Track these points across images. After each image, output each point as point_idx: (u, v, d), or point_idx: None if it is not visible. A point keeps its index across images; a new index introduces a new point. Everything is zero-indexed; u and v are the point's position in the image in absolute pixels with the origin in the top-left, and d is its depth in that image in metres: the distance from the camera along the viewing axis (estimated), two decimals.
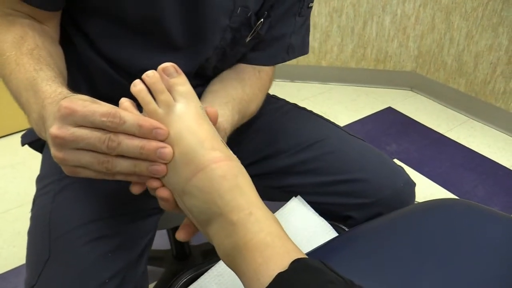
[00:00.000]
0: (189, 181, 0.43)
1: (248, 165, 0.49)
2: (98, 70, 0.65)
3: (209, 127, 0.45)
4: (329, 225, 0.68)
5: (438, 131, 1.90)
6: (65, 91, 0.47)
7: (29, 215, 0.66)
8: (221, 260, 0.46)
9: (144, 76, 0.45)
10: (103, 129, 0.41)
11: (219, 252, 0.43)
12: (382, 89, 2.22)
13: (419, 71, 2.15)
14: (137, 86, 0.44)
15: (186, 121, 0.44)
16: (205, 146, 0.43)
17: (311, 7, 0.73)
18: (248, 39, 0.67)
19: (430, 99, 2.14)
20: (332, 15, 2.04)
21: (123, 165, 0.43)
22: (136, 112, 0.44)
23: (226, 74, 0.71)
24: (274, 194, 0.77)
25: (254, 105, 0.70)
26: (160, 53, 0.63)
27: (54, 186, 0.66)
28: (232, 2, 0.61)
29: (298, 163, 0.74)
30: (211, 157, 0.43)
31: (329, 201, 0.73)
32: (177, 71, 0.45)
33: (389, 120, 1.99)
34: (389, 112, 2.05)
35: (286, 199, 0.71)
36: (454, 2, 1.87)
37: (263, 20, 0.66)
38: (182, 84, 0.45)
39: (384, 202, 0.70)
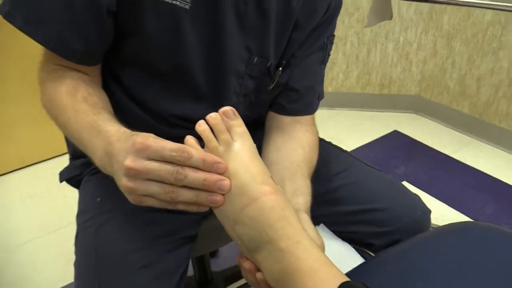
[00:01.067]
0: (242, 210, 0.47)
1: None
2: (133, 114, 0.70)
3: (260, 164, 0.51)
4: (354, 250, 0.72)
5: (445, 152, 1.95)
6: (127, 130, 0.53)
7: (50, 245, 0.70)
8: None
9: (208, 117, 0.50)
10: (172, 163, 0.46)
11: (267, 276, 0.47)
12: (387, 113, 2.28)
13: (423, 94, 2.22)
14: (201, 126, 0.50)
15: (242, 158, 0.49)
16: (257, 180, 0.48)
17: (330, 55, 0.79)
18: (270, 86, 0.73)
19: (435, 121, 2.20)
20: (337, 43, 2.11)
21: (186, 195, 0.48)
22: (200, 148, 0.49)
23: (276, 137, 0.75)
24: None
25: (315, 157, 0.74)
26: (188, 101, 0.70)
27: (95, 220, 0.70)
28: (247, 51, 0.68)
29: (322, 193, 0.78)
30: (262, 190, 0.48)
31: (351, 229, 0.77)
32: (234, 114, 0.51)
33: (395, 143, 2.04)
34: (395, 135, 2.10)
35: None
36: (454, 29, 1.95)
37: (282, 69, 0.72)
38: (239, 125, 0.51)
39: (403, 230, 0.75)
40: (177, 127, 0.72)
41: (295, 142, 0.74)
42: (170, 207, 0.49)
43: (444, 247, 0.58)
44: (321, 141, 0.89)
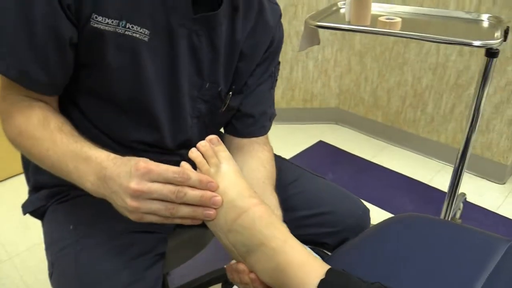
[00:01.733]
0: (235, 221, 0.56)
1: None
2: (94, 139, 0.70)
3: (245, 181, 0.59)
4: (311, 250, 0.83)
5: (365, 158, 2.17)
6: (117, 155, 0.59)
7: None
8: None
9: (198, 145, 0.59)
10: (172, 183, 0.53)
11: (261, 275, 0.56)
12: (311, 125, 2.47)
13: (341, 106, 2.44)
14: (194, 153, 0.58)
15: (229, 177, 0.58)
16: (245, 195, 0.57)
17: (277, 79, 0.91)
18: (222, 109, 0.82)
19: (353, 130, 2.43)
20: None
21: (185, 210, 0.55)
22: (194, 171, 0.56)
23: (237, 157, 0.83)
24: None
25: (275, 172, 0.83)
26: (146, 126, 0.76)
27: (73, 247, 0.72)
28: (199, 78, 0.76)
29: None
30: (251, 202, 0.56)
31: (306, 232, 0.88)
32: (218, 141, 0.59)
33: (321, 152, 2.22)
34: (321, 144, 2.29)
35: None
36: (365, 47, 2.19)
37: (232, 94, 0.82)
38: (223, 150, 0.59)
39: (349, 228, 0.87)
40: (138, 151, 0.78)
41: (256, 161, 0.83)
42: (168, 221, 0.56)
43: (395, 235, 0.71)
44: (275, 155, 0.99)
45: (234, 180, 0.58)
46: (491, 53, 1.04)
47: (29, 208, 0.85)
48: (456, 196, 1.38)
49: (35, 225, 0.92)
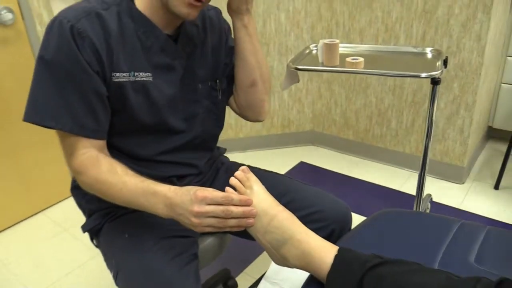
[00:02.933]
0: (269, 224, 0.79)
1: None
2: (127, 165, 0.94)
3: (270, 196, 0.83)
4: None
5: (342, 173, 2.43)
6: (176, 186, 0.83)
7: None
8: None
9: (235, 174, 0.83)
10: (221, 204, 0.77)
11: (292, 259, 0.79)
12: (291, 148, 2.73)
13: (316, 129, 2.72)
14: (233, 181, 0.82)
15: (260, 194, 0.82)
16: (272, 205, 0.81)
17: None
18: (219, 97, 1.09)
19: (329, 149, 2.70)
20: None
21: (232, 222, 0.78)
22: (236, 193, 0.80)
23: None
24: None
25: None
26: (166, 137, 1.01)
27: (131, 251, 0.95)
28: (194, 82, 1.03)
29: None
30: (277, 210, 0.80)
31: None
32: (248, 170, 0.83)
33: (304, 171, 2.47)
34: (302, 165, 2.54)
35: None
36: (332, 76, 2.49)
37: (218, 80, 1.08)
38: (252, 176, 0.84)
39: (336, 222, 1.08)
40: (162, 163, 1.03)
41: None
42: (221, 230, 0.79)
43: (381, 224, 0.96)
44: (270, 172, 1.23)
45: (263, 196, 0.82)
46: (434, 81, 1.33)
47: (87, 227, 1.07)
48: (422, 197, 1.65)
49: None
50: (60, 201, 2.26)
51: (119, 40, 0.88)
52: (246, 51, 1.05)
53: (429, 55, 1.50)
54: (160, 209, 0.83)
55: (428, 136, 1.48)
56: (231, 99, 1.16)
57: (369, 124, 2.47)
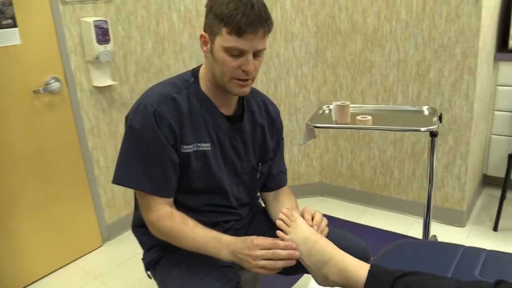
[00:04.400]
0: (312, 248, 0.99)
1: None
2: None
3: (310, 226, 1.04)
4: None
5: (351, 220, 2.62)
6: (234, 237, 1.06)
7: None
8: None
9: (281, 214, 1.05)
10: (271, 249, 0.98)
11: (333, 277, 0.98)
12: (301, 199, 2.93)
13: (324, 181, 2.93)
14: (278, 222, 1.05)
15: (302, 225, 1.03)
16: (313, 233, 1.02)
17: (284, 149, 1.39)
18: (257, 176, 1.29)
19: (337, 199, 2.90)
20: None
21: (280, 263, 1.00)
22: (281, 241, 1.02)
23: (274, 203, 1.32)
24: None
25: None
26: (215, 196, 1.22)
27: (189, 279, 1.14)
28: (240, 161, 1.24)
29: None
30: (318, 237, 1.01)
31: None
32: (292, 207, 1.05)
33: None
34: None
35: None
36: (338, 132, 2.75)
37: (262, 164, 1.29)
38: (295, 212, 1.05)
39: (359, 257, 1.27)
40: (209, 212, 1.23)
41: (287, 198, 1.33)
42: (272, 272, 1.01)
43: (400, 252, 1.15)
44: None
45: (306, 226, 1.03)
46: (433, 134, 1.57)
47: (147, 259, 1.27)
48: (429, 238, 1.84)
49: None
50: (90, 251, 2.41)
51: (188, 118, 1.13)
52: None
53: (426, 112, 1.76)
54: (223, 254, 1.05)
55: (430, 182, 1.70)
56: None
57: (373, 175, 2.70)
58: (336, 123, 1.69)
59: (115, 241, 2.53)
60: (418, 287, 0.86)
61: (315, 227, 1.08)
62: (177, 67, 2.55)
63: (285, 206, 1.24)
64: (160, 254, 1.25)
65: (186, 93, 1.14)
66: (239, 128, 1.21)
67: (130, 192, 2.63)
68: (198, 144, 1.15)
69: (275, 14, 2.54)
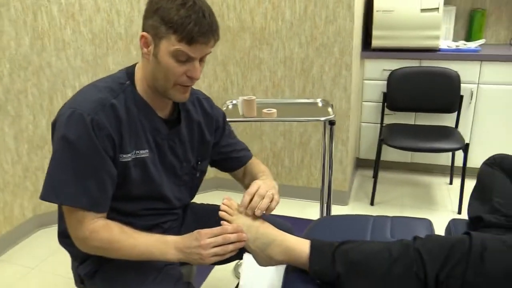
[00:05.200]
0: (256, 233, 1.07)
1: None
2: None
3: (252, 216, 1.11)
4: None
5: None
6: (178, 236, 1.07)
7: None
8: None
9: (223, 203, 1.11)
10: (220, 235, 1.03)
11: (277, 257, 1.06)
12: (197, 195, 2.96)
13: (218, 175, 3.02)
14: (222, 213, 1.10)
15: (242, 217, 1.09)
16: (255, 220, 1.09)
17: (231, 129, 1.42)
18: (197, 175, 1.32)
19: (233, 192, 3.01)
20: None
21: (230, 247, 1.04)
22: (230, 225, 1.08)
23: (249, 179, 1.40)
24: None
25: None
26: (154, 201, 1.21)
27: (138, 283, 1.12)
28: (179, 162, 1.24)
29: None
30: (258, 222, 1.09)
31: None
32: (230, 198, 1.12)
33: None
34: None
35: None
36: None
37: (200, 162, 1.31)
38: (234, 202, 1.12)
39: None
40: (148, 215, 1.21)
41: (249, 171, 1.40)
42: (224, 257, 1.05)
43: (324, 227, 1.29)
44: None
45: (248, 219, 1.10)
46: (331, 123, 1.77)
47: (83, 271, 1.19)
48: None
49: None
50: None
51: (126, 126, 1.07)
52: None
53: (320, 104, 1.96)
54: (170, 254, 1.04)
55: (330, 167, 1.90)
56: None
57: (266, 165, 2.86)
58: (244, 117, 1.78)
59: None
60: (356, 251, 0.99)
61: (249, 210, 1.11)
62: (60, 65, 2.37)
63: (256, 178, 1.30)
64: (98, 264, 1.17)
65: (123, 98, 1.07)
66: (177, 131, 1.19)
67: (10, 207, 2.36)
68: (137, 152, 1.10)
69: None
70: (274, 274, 1.25)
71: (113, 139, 1.04)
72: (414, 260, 0.95)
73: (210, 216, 1.22)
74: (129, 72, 1.13)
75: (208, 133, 1.30)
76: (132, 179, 1.10)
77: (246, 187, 1.31)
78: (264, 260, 1.08)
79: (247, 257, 1.26)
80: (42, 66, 2.33)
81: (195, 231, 1.05)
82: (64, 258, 2.25)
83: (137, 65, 1.14)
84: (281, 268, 1.16)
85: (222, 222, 1.09)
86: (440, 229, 1.39)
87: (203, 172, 1.34)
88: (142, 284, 1.10)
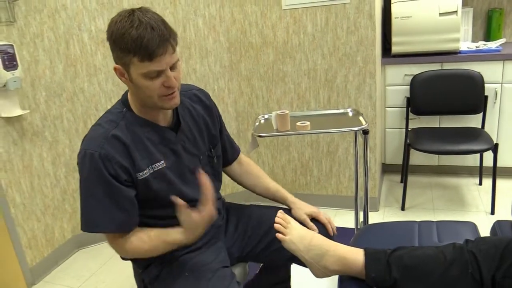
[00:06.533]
0: (309, 244, 1.10)
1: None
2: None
3: (303, 226, 1.15)
4: None
5: None
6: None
7: None
8: None
9: (277, 216, 1.17)
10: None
11: (332, 267, 1.10)
12: None
13: None
14: (276, 226, 1.15)
15: (296, 225, 1.16)
16: (307, 230, 1.13)
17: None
18: (216, 161, 1.39)
19: (262, 203, 3.05)
20: None
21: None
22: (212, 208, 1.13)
23: (240, 173, 1.50)
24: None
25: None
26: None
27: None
28: (195, 157, 1.31)
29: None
30: (311, 233, 1.13)
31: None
32: (283, 212, 1.16)
33: None
34: None
35: None
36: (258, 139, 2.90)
37: (214, 149, 1.38)
38: (287, 216, 1.16)
39: None
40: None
41: (249, 168, 1.52)
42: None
43: (371, 234, 1.32)
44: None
45: (299, 226, 1.15)
46: (365, 132, 1.80)
47: (147, 277, 1.29)
48: (359, 226, 2.08)
49: None
50: None
51: (133, 147, 1.15)
52: None
53: (350, 114, 2.00)
54: (185, 239, 1.14)
55: (366, 175, 1.93)
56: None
57: (294, 176, 2.91)
58: (278, 131, 1.83)
59: (42, 283, 2.33)
60: (410, 256, 1.03)
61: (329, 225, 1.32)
62: (92, 90, 2.46)
63: (258, 177, 1.49)
64: (159, 268, 1.27)
65: (124, 124, 1.16)
66: (183, 131, 1.27)
67: (51, 229, 2.44)
68: (152, 166, 1.18)
69: (189, 32, 2.60)
70: None
71: (123, 165, 1.13)
72: (469, 262, 0.98)
73: (262, 225, 1.37)
74: (124, 99, 1.22)
75: (212, 123, 1.38)
76: (155, 189, 1.19)
77: (246, 186, 1.51)
78: (320, 271, 1.12)
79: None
80: (75, 92, 2.42)
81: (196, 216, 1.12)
82: (105, 277, 2.32)
83: (128, 91, 1.23)
84: None
85: (277, 235, 1.14)
86: (480, 230, 1.41)
87: (220, 157, 1.42)
88: (200, 282, 1.18)
